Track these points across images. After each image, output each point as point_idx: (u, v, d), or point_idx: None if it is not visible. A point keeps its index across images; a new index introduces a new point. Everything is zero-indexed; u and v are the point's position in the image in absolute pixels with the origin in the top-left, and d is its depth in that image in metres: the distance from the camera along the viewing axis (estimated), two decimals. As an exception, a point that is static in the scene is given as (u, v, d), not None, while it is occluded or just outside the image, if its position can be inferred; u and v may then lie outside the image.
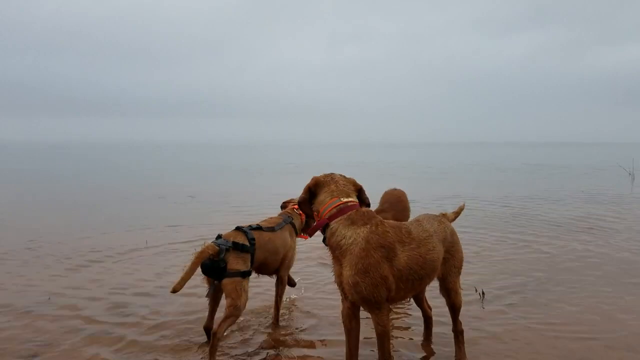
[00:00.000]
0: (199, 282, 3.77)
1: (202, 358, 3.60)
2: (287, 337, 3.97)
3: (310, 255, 6.40)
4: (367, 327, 3.53)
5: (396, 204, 5.29)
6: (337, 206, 2.97)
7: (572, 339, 3.86)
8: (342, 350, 3.24)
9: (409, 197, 5.56)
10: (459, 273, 3.42)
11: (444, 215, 3.51)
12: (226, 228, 3.90)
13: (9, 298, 4.84)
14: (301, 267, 5.82)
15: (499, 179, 20.25)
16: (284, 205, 4.56)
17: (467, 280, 5.41)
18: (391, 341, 3.51)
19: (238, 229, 3.75)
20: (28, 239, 7.45)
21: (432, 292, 3.78)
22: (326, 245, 3.01)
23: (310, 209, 3.15)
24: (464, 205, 3.73)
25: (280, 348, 3.78)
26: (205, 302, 3.79)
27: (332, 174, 3.13)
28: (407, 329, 4.14)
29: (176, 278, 3.27)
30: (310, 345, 3.84)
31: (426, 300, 3.85)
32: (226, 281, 3.46)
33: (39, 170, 24.99)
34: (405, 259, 2.91)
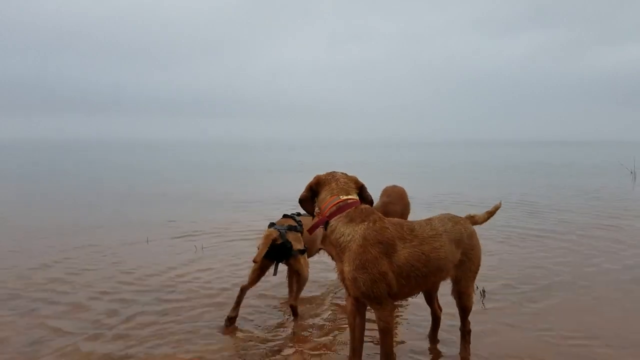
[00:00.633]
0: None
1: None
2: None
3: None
4: (370, 323, 3.56)
5: (399, 199, 5.38)
6: (336, 204, 3.03)
7: (573, 339, 3.87)
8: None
9: (410, 195, 5.61)
10: (474, 277, 3.39)
11: (471, 217, 3.47)
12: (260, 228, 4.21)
13: (11, 296, 4.86)
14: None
15: (499, 177, 20.26)
16: None
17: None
18: (395, 339, 3.55)
19: (285, 216, 4.36)
20: (29, 237, 7.47)
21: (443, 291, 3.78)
22: (321, 244, 3.09)
23: (312, 206, 3.21)
24: (500, 204, 3.63)
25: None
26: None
27: (333, 172, 3.19)
28: (411, 326, 4.16)
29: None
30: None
31: (437, 300, 3.83)
32: (293, 260, 4.08)
33: (40, 169, 25.00)
34: (405, 255, 2.94)
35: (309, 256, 4.54)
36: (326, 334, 3.99)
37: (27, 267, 5.88)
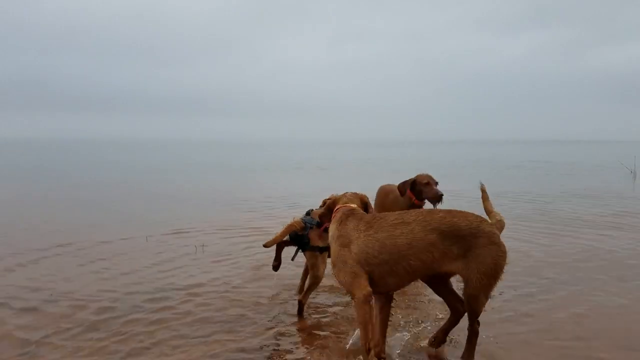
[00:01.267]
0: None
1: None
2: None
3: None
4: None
5: (384, 197, 5.68)
6: (337, 210, 3.56)
7: (574, 339, 3.87)
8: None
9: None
10: (489, 282, 3.24)
11: (498, 220, 3.44)
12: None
13: (17, 295, 4.87)
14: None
15: (500, 175, 20.24)
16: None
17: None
18: (392, 336, 3.56)
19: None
20: (34, 237, 7.48)
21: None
22: None
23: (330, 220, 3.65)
24: (482, 186, 3.74)
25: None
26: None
27: (345, 193, 3.76)
28: (411, 324, 4.16)
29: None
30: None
31: (453, 294, 3.59)
32: (308, 254, 4.20)
33: (41, 168, 25.00)
34: (359, 244, 3.24)
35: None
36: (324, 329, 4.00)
37: (17, 263, 5.91)
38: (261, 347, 3.73)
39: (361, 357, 3.37)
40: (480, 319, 3.36)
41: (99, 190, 14.66)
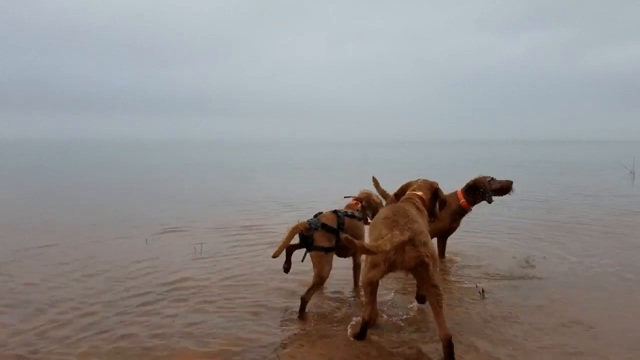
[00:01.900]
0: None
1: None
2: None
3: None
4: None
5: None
6: (404, 198, 4.08)
7: (574, 339, 3.87)
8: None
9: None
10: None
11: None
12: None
13: (15, 298, 4.87)
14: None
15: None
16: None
17: (470, 275, 5.45)
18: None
19: (335, 212, 4.52)
20: (32, 239, 7.49)
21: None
22: None
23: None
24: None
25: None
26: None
27: (417, 179, 4.29)
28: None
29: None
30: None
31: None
32: (312, 254, 4.24)
33: (42, 169, 25.02)
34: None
35: (344, 256, 4.74)
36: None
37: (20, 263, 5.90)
38: (263, 345, 3.72)
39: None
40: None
41: (98, 190, 14.65)
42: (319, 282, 4.25)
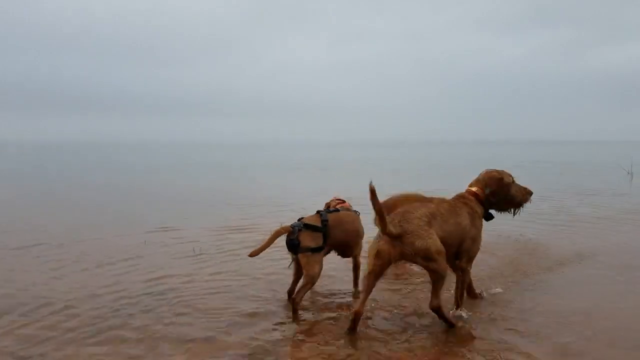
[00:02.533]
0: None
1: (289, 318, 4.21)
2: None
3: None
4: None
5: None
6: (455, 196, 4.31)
7: (574, 338, 3.86)
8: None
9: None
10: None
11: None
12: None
13: (14, 298, 4.87)
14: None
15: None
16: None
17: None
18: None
19: (318, 212, 4.49)
20: (33, 238, 7.49)
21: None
22: None
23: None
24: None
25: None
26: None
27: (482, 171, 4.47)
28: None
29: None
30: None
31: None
32: (300, 256, 4.20)
33: (43, 170, 25.03)
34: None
35: (345, 256, 4.74)
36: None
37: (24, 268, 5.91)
38: (257, 346, 3.70)
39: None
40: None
41: (99, 191, 14.65)
42: (310, 282, 4.20)
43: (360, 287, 3.85)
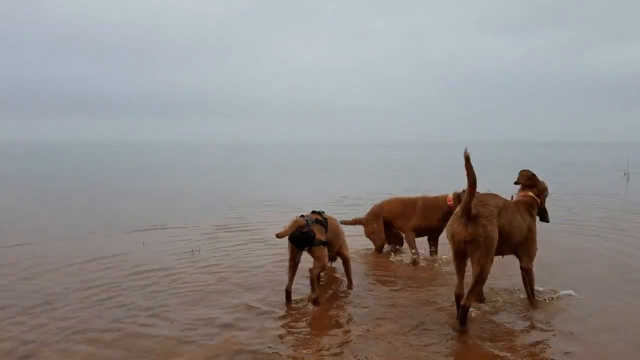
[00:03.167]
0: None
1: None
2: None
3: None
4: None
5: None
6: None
7: (572, 338, 3.86)
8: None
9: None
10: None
11: None
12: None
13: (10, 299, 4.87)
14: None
15: (499, 175, 20.21)
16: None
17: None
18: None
19: (314, 212, 4.90)
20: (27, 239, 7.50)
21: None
22: None
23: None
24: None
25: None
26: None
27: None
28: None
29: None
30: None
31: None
32: (315, 248, 4.57)
33: (44, 172, 25.02)
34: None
35: (330, 252, 4.99)
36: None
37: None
38: (260, 344, 3.71)
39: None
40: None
41: (96, 192, 14.65)
42: (321, 270, 4.60)
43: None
